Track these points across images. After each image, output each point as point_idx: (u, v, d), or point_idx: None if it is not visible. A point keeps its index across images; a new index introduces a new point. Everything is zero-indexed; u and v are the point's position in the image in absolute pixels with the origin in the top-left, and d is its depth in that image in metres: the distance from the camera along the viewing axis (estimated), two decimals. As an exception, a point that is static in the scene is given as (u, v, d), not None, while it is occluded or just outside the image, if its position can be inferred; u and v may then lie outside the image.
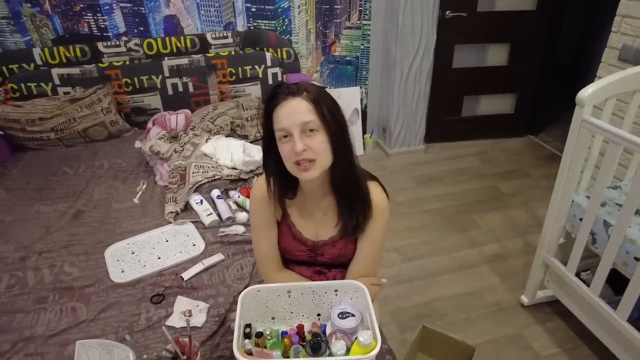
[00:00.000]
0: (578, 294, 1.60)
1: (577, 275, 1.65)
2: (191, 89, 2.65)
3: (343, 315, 1.05)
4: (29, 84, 2.43)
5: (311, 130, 0.95)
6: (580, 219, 1.53)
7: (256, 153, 2.06)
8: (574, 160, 1.50)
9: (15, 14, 2.39)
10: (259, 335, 1.05)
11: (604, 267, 1.43)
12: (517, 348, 1.76)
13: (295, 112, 0.94)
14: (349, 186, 1.05)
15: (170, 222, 1.78)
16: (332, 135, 0.97)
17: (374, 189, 1.09)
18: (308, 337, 1.05)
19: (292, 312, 1.11)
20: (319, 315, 1.12)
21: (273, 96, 0.98)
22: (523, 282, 1.98)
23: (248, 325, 1.07)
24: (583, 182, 1.65)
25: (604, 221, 1.44)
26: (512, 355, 1.73)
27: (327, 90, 1.05)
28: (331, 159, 1.00)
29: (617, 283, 1.56)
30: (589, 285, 1.57)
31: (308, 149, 0.95)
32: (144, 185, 2.06)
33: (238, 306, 1.01)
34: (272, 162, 1.04)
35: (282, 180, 1.07)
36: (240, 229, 1.72)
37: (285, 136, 0.96)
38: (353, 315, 1.05)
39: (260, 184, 1.11)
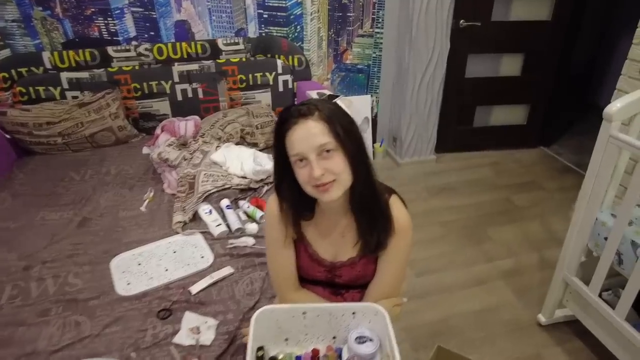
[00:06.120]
0: (601, 316, 1.53)
1: (599, 295, 1.59)
2: (201, 95, 2.61)
3: (361, 339, 1.01)
4: (37, 88, 2.40)
5: (327, 151, 0.90)
6: (605, 238, 1.46)
7: (267, 162, 2.02)
8: (599, 177, 1.44)
9: (26, 17, 2.37)
10: (273, 360, 1.00)
11: (631, 289, 1.37)
12: (536, 370, 1.69)
13: (310, 135, 0.89)
14: (369, 204, 1.00)
15: (178, 233, 1.73)
16: (350, 154, 0.92)
17: (394, 205, 1.04)
18: (323, 362, 1.00)
19: (306, 334, 1.06)
20: (334, 338, 1.07)
21: (284, 120, 0.93)
22: (539, 299, 1.92)
23: (260, 348, 1.02)
24: (607, 199, 1.58)
25: (632, 241, 1.38)
26: (530, 378, 1.67)
27: (340, 98, 1.00)
28: (351, 178, 0.95)
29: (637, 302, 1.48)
30: (611, 306, 1.51)
31: (327, 172, 0.90)
32: (152, 193, 2.02)
33: (250, 328, 0.97)
34: (287, 186, 0.99)
35: (297, 202, 1.02)
36: (250, 241, 1.66)
37: (302, 160, 0.91)
38: (371, 340, 1.00)
39: (275, 200, 1.06)
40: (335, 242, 1.08)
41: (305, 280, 1.15)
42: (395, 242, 1.03)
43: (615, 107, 1.33)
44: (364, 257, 1.07)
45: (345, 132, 0.91)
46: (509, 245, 2.38)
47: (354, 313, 1.02)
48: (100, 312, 1.39)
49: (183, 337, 1.28)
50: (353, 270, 1.08)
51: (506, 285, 2.11)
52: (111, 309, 1.40)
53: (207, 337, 1.28)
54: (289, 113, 0.92)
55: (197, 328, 1.31)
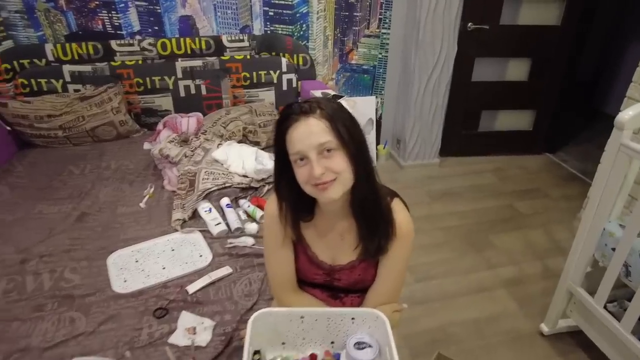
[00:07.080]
0: (606, 328, 1.50)
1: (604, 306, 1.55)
2: (204, 92, 2.59)
3: (359, 345, 0.98)
4: (39, 80, 2.38)
5: (328, 150, 0.88)
6: (613, 249, 1.43)
7: (268, 161, 1.99)
8: (608, 187, 1.40)
9: (29, 8, 2.35)
10: (270, 364, 0.98)
11: (639, 302, 1.33)
12: (537, 381, 1.66)
13: (311, 133, 0.87)
14: (370, 208, 0.97)
15: (177, 230, 1.71)
16: (351, 154, 0.90)
17: (397, 208, 1.01)
18: (321, 368, 0.97)
19: (304, 338, 1.04)
20: (332, 343, 1.04)
21: (285, 117, 0.90)
22: (541, 309, 1.88)
23: (257, 352, 0.99)
24: (615, 210, 1.54)
25: (640, 253, 1.35)
26: (531, 389, 1.63)
27: (344, 99, 0.98)
28: (352, 178, 0.92)
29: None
30: (616, 318, 1.47)
31: (327, 171, 0.88)
32: (152, 189, 1.99)
33: (247, 330, 0.94)
34: (286, 185, 0.97)
35: (296, 203, 0.99)
36: (249, 241, 1.64)
37: (302, 159, 0.89)
38: (370, 346, 0.98)
39: (274, 200, 1.04)
40: (335, 244, 1.05)
41: (304, 283, 1.12)
42: (397, 247, 1.01)
43: (627, 114, 1.30)
44: (364, 261, 1.04)
45: (347, 131, 0.88)
46: (512, 253, 2.34)
47: (353, 318, 1.00)
48: (96, 309, 1.36)
49: (179, 337, 1.26)
50: (352, 274, 1.06)
51: (508, 293, 2.07)
52: (107, 306, 1.37)
53: (203, 338, 1.25)
54: (290, 110, 0.90)
55: (193, 328, 1.28)
